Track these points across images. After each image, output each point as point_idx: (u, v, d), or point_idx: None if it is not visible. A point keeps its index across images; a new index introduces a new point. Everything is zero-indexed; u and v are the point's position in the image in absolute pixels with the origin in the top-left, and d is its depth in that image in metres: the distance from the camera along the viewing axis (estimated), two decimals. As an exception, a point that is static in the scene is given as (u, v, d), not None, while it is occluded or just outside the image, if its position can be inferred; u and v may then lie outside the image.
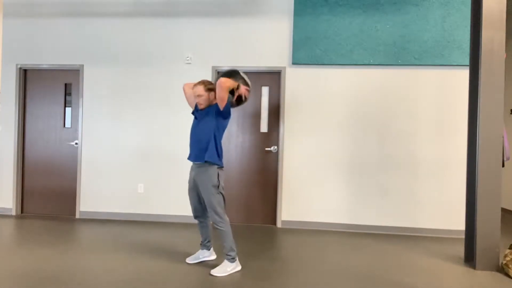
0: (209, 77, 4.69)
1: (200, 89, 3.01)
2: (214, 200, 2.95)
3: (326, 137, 4.59)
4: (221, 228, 2.97)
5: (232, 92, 3.02)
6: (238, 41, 4.69)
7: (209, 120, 2.99)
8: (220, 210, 2.97)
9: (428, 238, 4.32)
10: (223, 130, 3.06)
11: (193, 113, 3.16)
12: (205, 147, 2.95)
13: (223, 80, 2.85)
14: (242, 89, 3.02)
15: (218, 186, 2.98)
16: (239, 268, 3.06)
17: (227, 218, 3.00)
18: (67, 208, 4.95)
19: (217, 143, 2.99)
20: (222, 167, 3.05)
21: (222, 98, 2.89)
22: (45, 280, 2.75)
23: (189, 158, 3.10)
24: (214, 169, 2.97)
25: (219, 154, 2.99)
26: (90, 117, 4.86)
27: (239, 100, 3.09)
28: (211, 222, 3.12)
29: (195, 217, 3.19)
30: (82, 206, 4.86)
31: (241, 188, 4.77)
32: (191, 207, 3.17)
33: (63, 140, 4.97)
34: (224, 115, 2.98)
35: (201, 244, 3.27)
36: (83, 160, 4.86)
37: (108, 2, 4.83)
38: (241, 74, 3.08)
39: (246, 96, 3.09)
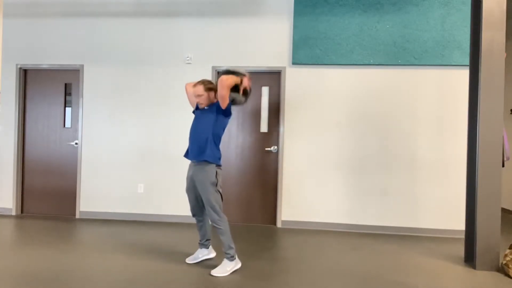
0: (209, 77, 4.70)
1: (200, 89, 3.02)
2: (212, 198, 2.95)
3: (326, 137, 4.59)
4: (220, 227, 2.97)
5: (237, 89, 2.96)
6: (238, 41, 4.69)
7: (209, 118, 2.99)
8: (218, 208, 2.97)
9: (428, 238, 4.31)
10: (223, 129, 3.05)
11: (194, 112, 3.17)
12: (204, 146, 2.95)
13: (224, 78, 2.84)
14: (246, 82, 2.99)
15: (216, 184, 2.98)
16: (239, 265, 3.05)
17: (225, 216, 3.01)
18: (67, 208, 4.95)
19: (216, 142, 2.99)
20: (220, 165, 3.05)
21: (223, 96, 2.88)
22: (45, 280, 2.74)
23: (185, 156, 3.10)
24: (212, 167, 2.97)
25: (218, 153, 2.99)
26: (90, 117, 4.86)
27: (245, 93, 3.03)
28: (210, 222, 3.12)
29: (193, 215, 3.19)
30: (82, 206, 4.86)
31: (241, 188, 4.77)
32: (190, 205, 3.17)
33: (63, 140, 4.97)
34: (226, 113, 2.97)
35: (199, 243, 3.27)
36: (83, 160, 4.86)
37: (108, 2, 4.83)
38: (238, 70, 3.02)
39: (250, 87, 3.04)
